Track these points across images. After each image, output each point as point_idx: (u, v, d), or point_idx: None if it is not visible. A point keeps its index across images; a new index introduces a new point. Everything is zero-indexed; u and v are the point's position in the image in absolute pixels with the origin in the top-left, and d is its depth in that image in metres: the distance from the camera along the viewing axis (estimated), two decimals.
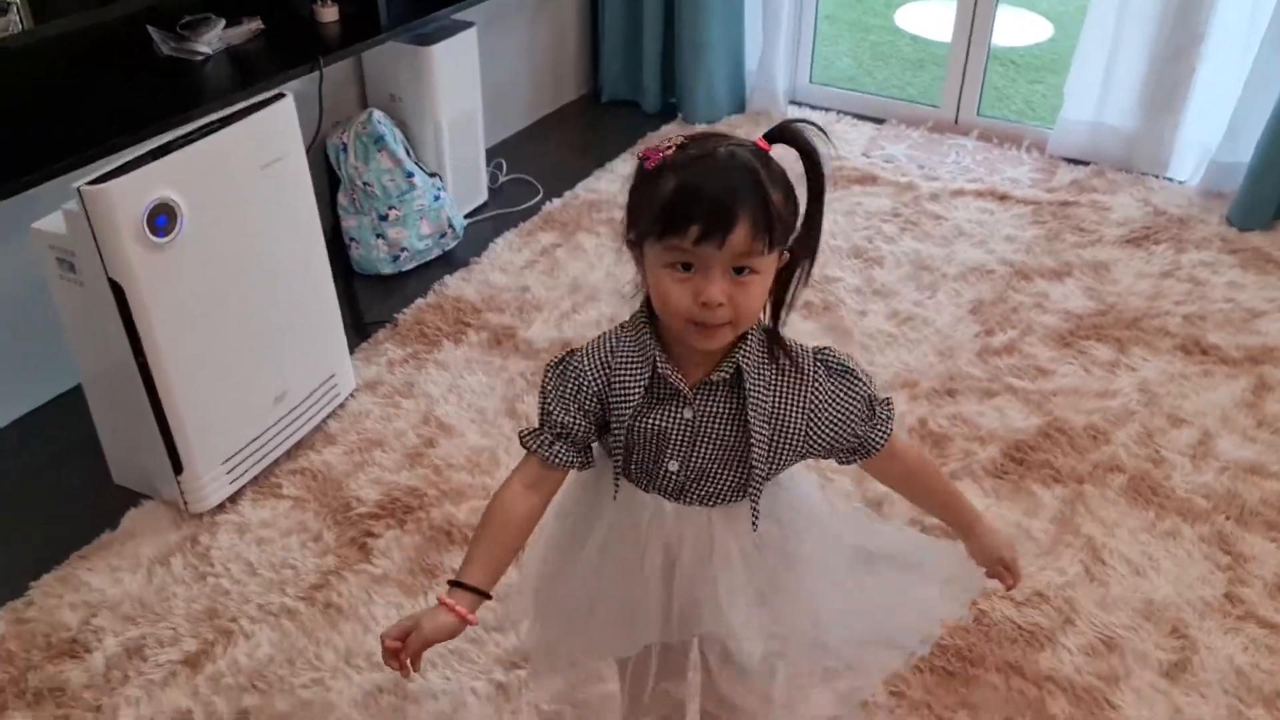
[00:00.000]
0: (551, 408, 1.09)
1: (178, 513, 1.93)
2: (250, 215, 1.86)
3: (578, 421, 1.08)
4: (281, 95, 1.90)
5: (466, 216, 2.88)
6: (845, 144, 3.26)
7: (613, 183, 3.05)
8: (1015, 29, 4.35)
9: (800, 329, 2.42)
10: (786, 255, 1.02)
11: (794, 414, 1.06)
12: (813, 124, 1.01)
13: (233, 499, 1.96)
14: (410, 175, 2.60)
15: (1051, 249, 2.72)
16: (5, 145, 1.93)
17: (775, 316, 1.06)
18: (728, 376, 1.04)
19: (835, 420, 1.08)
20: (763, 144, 0.99)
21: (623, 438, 1.08)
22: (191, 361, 1.81)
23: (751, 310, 0.99)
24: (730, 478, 1.09)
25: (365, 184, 2.56)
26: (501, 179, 3.09)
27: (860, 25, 4.51)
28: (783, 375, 1.06)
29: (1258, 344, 2.36)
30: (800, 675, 1.27)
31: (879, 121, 3.41)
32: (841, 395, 1.08)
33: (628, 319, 1.09)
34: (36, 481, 2.03)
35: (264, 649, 1.68)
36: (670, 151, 0.98)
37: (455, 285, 2.59)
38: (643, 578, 1.15)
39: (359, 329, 2.44)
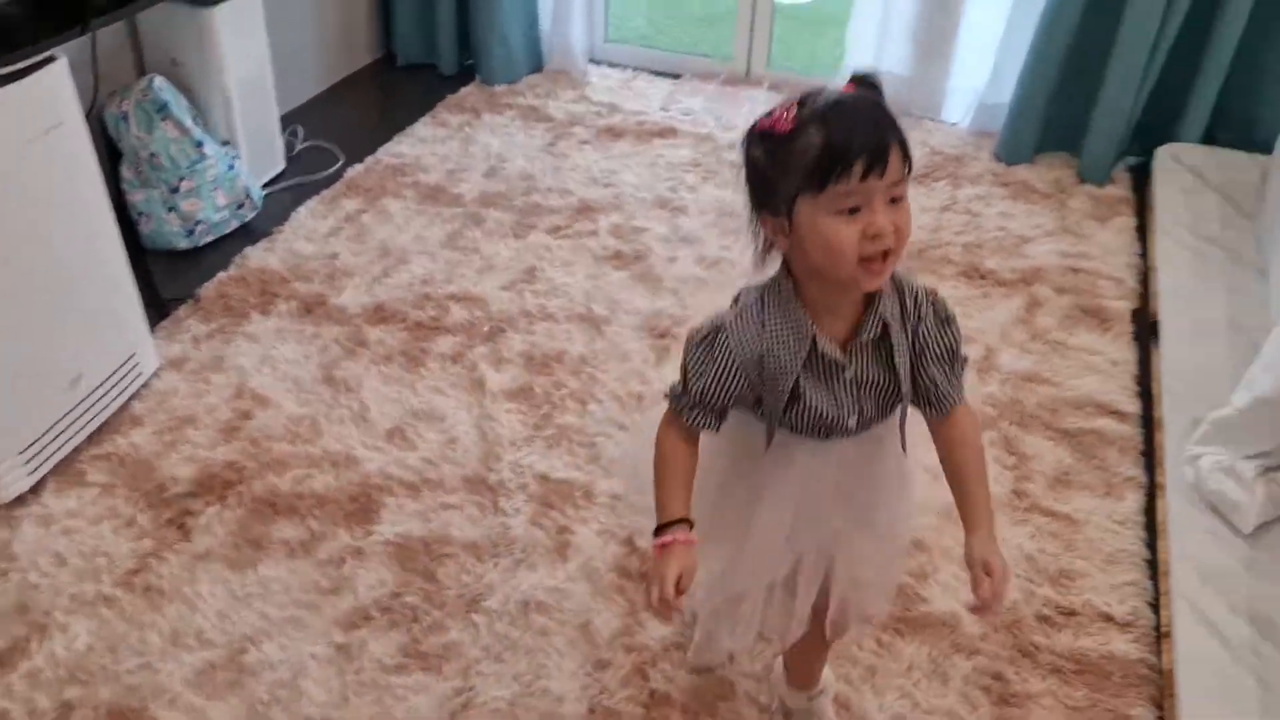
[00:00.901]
0: (694, 383, 1.13)
1: None
2: (26, 189, 1.75)
3: (718, 396, 1.12)
4: (52, 59, 1.78)
5: (264, 186, 2.78)
6: (644, 99, 3.32)
7: (414, 146, 3.01)
8: None
9: (613, 278, 2.47)
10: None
11: (911, 348, 1.13)
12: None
13: (34, 490, 1.85)
14: (200, 144, 2.49)
15: None
16: None
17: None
18: (876, 336, 1.10)
19: (927, 365, 1.13)
20: (851, 88, 1.04)
21: (782, 407, 1.12)
22: None
23: (909, 232, 1.04)
24: (882, 411, 1.16)
25: (151, 155, 2.44)
26: (299, 146, 2.99)
27: None
28: (906, 316, 1.12)
29: (1027, 266, 2.57)
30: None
31: (675, 77, 3.49)
32: (939, 340, 1.13)
33: (761, 286, 1.11)
34: None
35: (82, 639, 1.61)
36: (795, 111, 1.01)
37: (258, 256, 2.51)
38: (790, 507, 1.22)
39: (157, 307, 2.33)
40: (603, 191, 2.82)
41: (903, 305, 1.12)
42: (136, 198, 2.48)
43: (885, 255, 1.02)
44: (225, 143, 2.60)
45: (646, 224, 2.70)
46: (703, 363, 1.12)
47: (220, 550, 1.76)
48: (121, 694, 1.53)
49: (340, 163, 2.93)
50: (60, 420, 1.88)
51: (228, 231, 2.59)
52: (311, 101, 3.27)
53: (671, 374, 2.14)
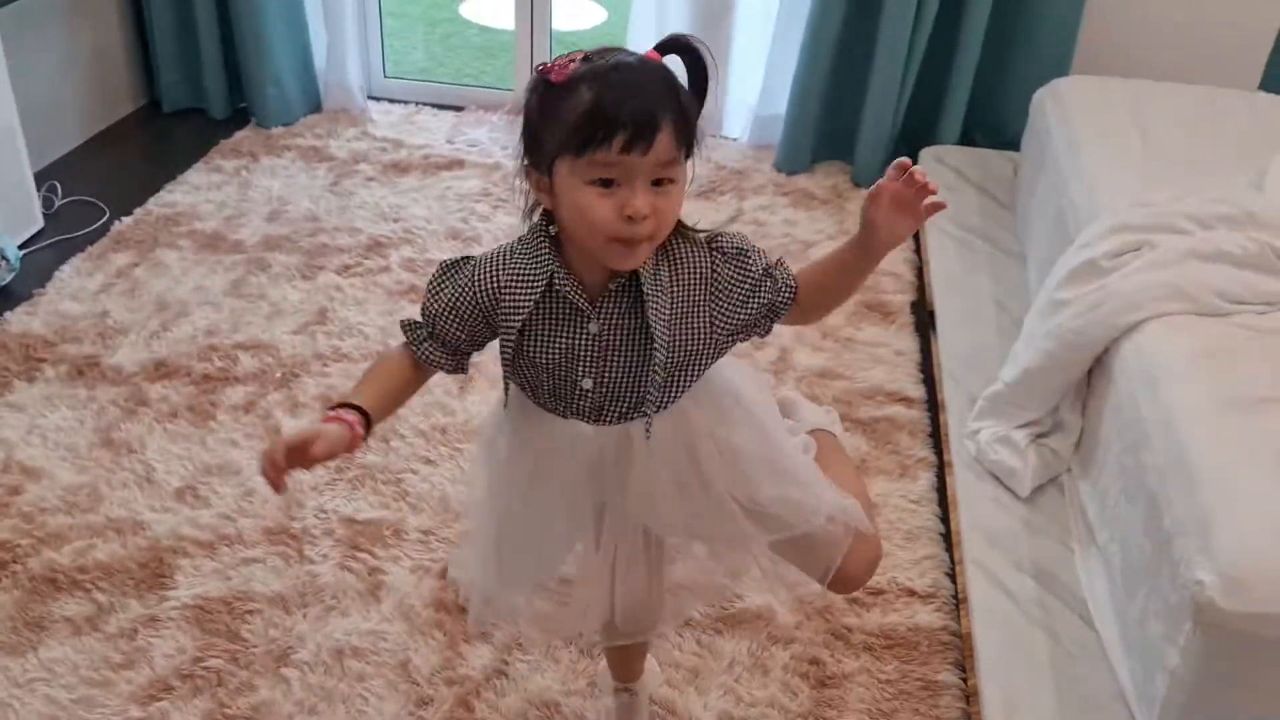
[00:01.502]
0: (429, 305, 1.09)
1: None
2: None
3: (451, 327, 1.08)
4: None
5: (21, 247, 2.60)
6: (428, 133, 3.29)
7: (187, 194, 2.88)
8: (573, 14, 4.58)
9: (408, 313, 2.42)
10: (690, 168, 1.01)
11: (697, 310, 1.05)
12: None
13: None
14: None
15: None
16: None
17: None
18: (625, 282, 1.03)
19: (738, 302, 1.07)
20: (655, 55, 0.99)
21: (522, 358, 1.07)
22: None
23: (671, 220, 0.98)
24: (640, 393, 1.07)
25: None
26: (58, 203, 2.81)
27: (427, 19, 4.55)
28: (680, 270, 1.04)
29: None
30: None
31: (458, 109, 3.47)
32: (740, 277, 1.06)
33: (525, 233, 1.07)
34: None
35: None
36: (575, 65, 0.95)
37: (19, 320, 2.33)
38: (570, 498, 1.17)
39: None
40: (392, 227, 2.78)
41: (672, 260, 1.04)
42: None
43: (641, 239, 0.97)
44: None
45: (440, 255, 2.66)
46: (440, 288, 1.08)
47: None
48: None
49: (105, 217, 2.76)
50: None
51: None
52: (70, 155, 3.08)
53: (476, 404, 2.14)
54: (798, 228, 2.88)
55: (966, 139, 3.08)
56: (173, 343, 2.29)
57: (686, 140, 0.97)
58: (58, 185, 2.84)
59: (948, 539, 1.87)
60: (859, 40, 2.94)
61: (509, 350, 1.07)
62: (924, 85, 3.02)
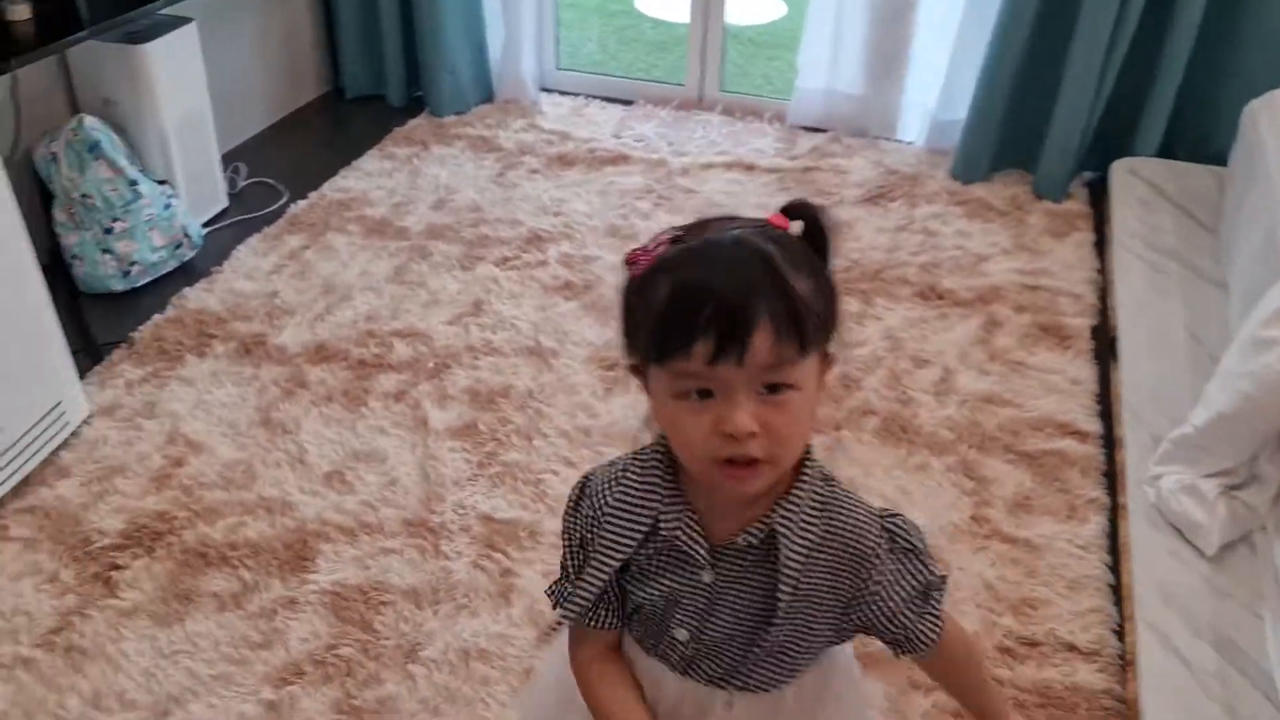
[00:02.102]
0: (568, 559, 0.92)
1: None
2: None
3: (599, 573, 0.90)
4: None
5: (205, 225, 2.72)
6: (596, 126, 3.28)
7: (360, 180, 2.95)
8: (749, 8, 4.50)
9: (562, 309, 2.41)
10: (833, 358, 0.83)
11: (838, 591, 0.87)
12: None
13: None
14: (135, 184, 2.42)
15: None
16: None
17: None
18: (756, 541, 0.85)
19: (882, 606, 0.89)
20: (778, 220, 0.82)
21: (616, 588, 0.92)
22: None
23: (794, 437, 0.79)
24: (750, 656, 0.90)
25: (83, 196, 2.37)
26: (241, 183, 2.93)
27: (603, 11, 4.55)
28: (839, 540, 0.86)
29: (985, 285, 2.53)
30: None
31: (627, 103, 3.45)
32: (898, 579, 0.89)
33: (643, 449, 0.90)
34: None
35: None
36: (661, 248, 0.79)
37: (196, 297, 2.43)
38: None
39: (91, 352, 2.26)
40: (553, 220, 2.77)
41: (838, 534, 0.86)
42: (70, 240, 2.41)
43: (752, 460, 0.78)
44: (162, 182, 2.53)
45: (597, 252, 2.64)
46: (571, 529, 0.91)
47: (147, 605, 1.68)
48: None
49: (284, 199, 2.86)
50: None
51: (166, 272, 2.52)
52: (256, 138, 3.21)
53: (621, 407, 2.11)
54: (971, 240, 2.72)
55: (1166, 151, 2.84)
56: (334, 326, 2.34)
57: (802, 334, 0.76)
58: (242, 167, 2.96)
59: (1117, 592, 1.72)
60: (1052, 41, 2.75)
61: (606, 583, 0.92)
62: (1122, 91, 2.80)
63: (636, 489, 0.88)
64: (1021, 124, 2.89)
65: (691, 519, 0.86)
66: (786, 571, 0.84)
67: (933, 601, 0.92)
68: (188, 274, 2.53)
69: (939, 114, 3.09)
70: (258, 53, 3.18)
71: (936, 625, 0.93)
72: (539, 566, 1.76)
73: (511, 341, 2.30)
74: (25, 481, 1.89)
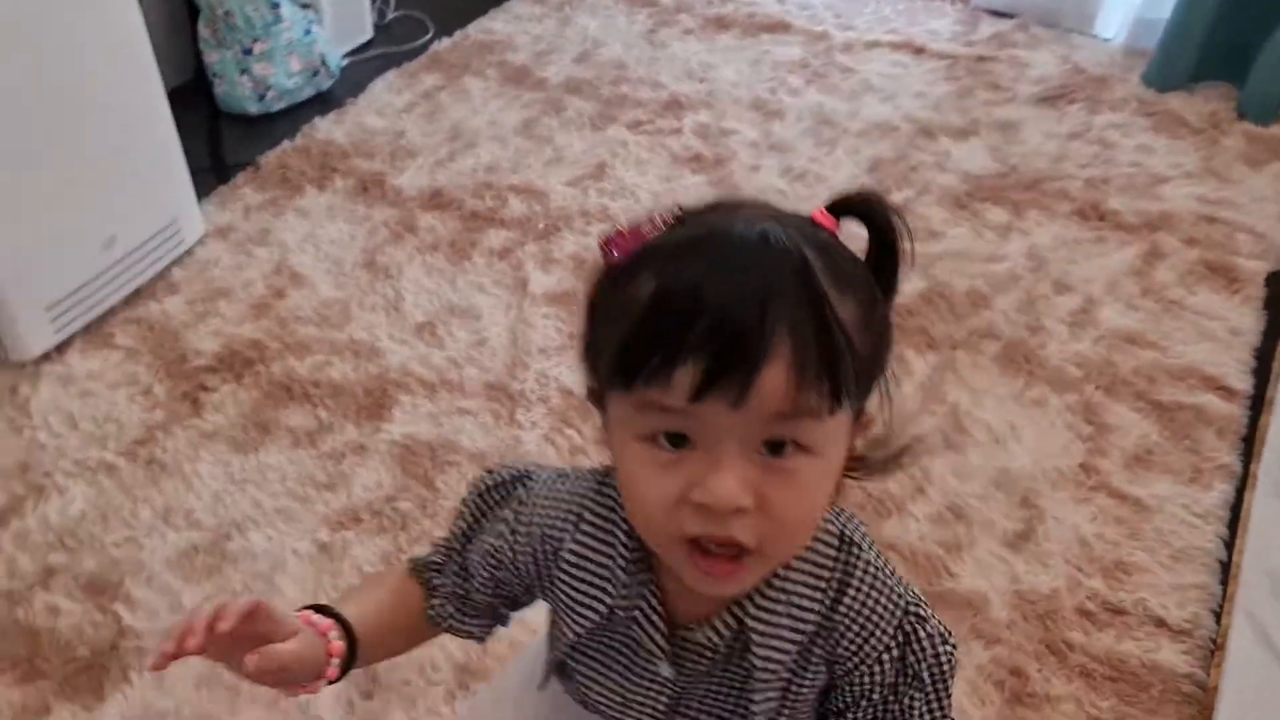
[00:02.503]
0: (455, 528, 0.75)
1: None
2: (68, 37, 1.69)
3: (477, 572, 0.74)
4: None
5: (348, 55, 2.69)
6: None
7: (508, 23, 2.86)
8: None
9: (687, 182, 2.30)
10: (869, 417, 0.62)
11: (821, 672, 0.67)
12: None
13: (60, 348, 1.84)
14: (276, 6, 2.40)
15: (961, 106, 2.60)
16: None
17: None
18: (721, 638, 0.65)
19: (860, 713, 0.68)
20: (824, 218, 0.59)
21: (570, 667, 0.73)
22: None
23: (800, 521, 0.58)
24: None
25: (226, 13, 2.37)
26: (390, 15, 2.89)
27: None
28: (839, 621, 0.65)
29: (1157, 210, 2.28)
30: None
31: None
32: (894, 694, 0.66)
33: (604, 487, 0.69)
34: None
35: (77, 505, 1.60)
36: (656, 231, 0.57)
37: (325, 128, 2.43)
38: None
39: (219, 172, 2.29)
40: (696, 87, 2.63)
41: (841, 614, 0.65)
42: (212, 58, 2.42)
43: (737, 548, 0.56)
44: (305, 6, 2.51)
45: (736, 126, 2.50)
46: (477, 515, 0.74)
47: (227, 430, 1.72)
48: (103, 566, 1.51)
49: (429, 35, 2.81)
50: (92, 281, 1.85)
51: (301, 99, 2.52)
52: None
53: None
54: (1153, 157, 2.45)
55: None
56: (453, 174, 2.30)
57: (835, 376, 0.54)
58: None
59: (1226, 571, 1.56)
60: None
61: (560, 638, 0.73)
62: None
63: (597, 544, 0.66)
64: (1234, 30, 2.54)
65: (653, 597, 0.65)
66: (760, 680, 0.64)
67: None
68: (322, 103, 2.53)
69: (1145, 10, 2.76)
70: None
71: None
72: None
73: (628, 211, 2.22)
74: (137, 293, 1.95)
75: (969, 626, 1.48)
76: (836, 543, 0.66)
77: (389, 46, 2.77)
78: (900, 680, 0.66)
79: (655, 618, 0.65)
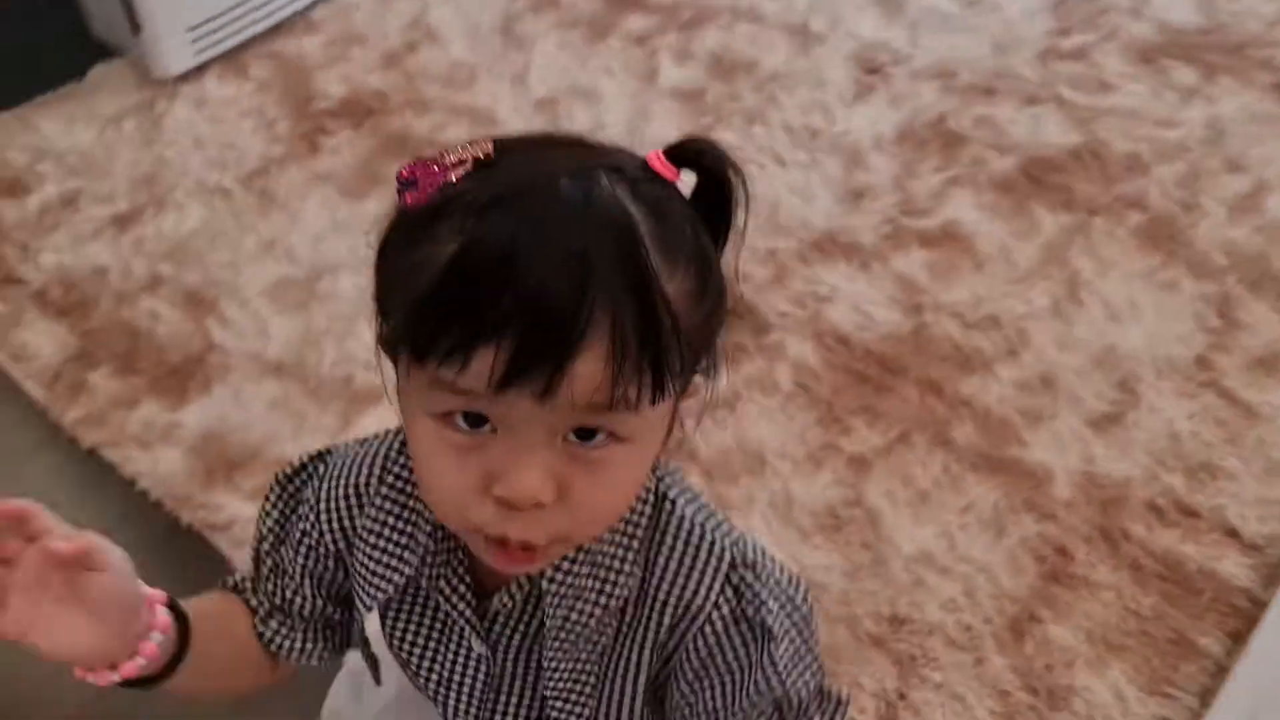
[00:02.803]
0: (265, 558, 0.67)
1: (142, 75, 1.89)
2: None
3: (305, 593, 0.66)
4: None
5: None
6: None
7: None
8: None
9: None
10: (697, 383, 0.56)
11: (647, 652, 0.61)
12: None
13: (199, 71, 1.90)
14: None
15: None
16: None
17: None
18: (515, 604, 0.61)
19: (691, 687, 0.61)
20: (662, 166, 0.52)
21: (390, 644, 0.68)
22: None
23: (604, 511, 0.54)
24: None
25: None
26: None
27: None
28: (659, 583, 0.60)
29: None
30: None
31: None
32: (725, 664, 0.60)
33: (406, 448, 0.62)
34: (13, 23, 2.00)
35: (190, 223, 1.68)
36: (462, 167, 0.50)
37: None
38: None
39: None
40: None
41: (660, 575, 0.60)
42: None
43: (530, 546, 0.52)
44: None
45: None
46: (272, 512, 0.66)
47: (339, 174, 1.77)
48: (203, 283, 1.61)
49: None
50: (236, 7, 1.89)
51: None
52: None
53: (861, 118, 1.90)
54: None
55: None
56: None
57: (658, 365, 0.48)
58: None
59: None
60: None
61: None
62: None
63: (398, 509, 0.61)
64: None
65: (460, 566, 0.61)
66: (554, 642, 0.59)
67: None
68: None
69: None
70: None
71: None
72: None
73: (779, 14, 2.10)
74: (277, 27, 1.98)
75: (1024, 498, 1.43)
76: (652, 499, 0.60)
77: None
78: (744, 641, 0.60)
79: (462, 588, 0.61)
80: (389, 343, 0.54)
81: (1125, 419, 1.52)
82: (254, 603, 0.67)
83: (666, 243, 0.48)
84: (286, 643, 0.66)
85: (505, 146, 0.51)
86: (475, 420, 0.49)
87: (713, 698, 0.60)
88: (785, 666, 0.60)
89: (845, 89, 1.96)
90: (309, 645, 0.67)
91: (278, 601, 0.66)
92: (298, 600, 0.66)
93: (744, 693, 0.60)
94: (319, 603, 0.66)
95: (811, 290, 1.66)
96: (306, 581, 0.65)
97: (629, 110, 1.89)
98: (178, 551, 1.31)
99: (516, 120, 1.86)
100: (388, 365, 0.56)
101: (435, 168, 0.50)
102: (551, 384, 0.46)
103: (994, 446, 1.49)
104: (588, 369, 0.46)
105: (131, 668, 0.54)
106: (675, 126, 1.87)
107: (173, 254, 1.64)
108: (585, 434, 0.50)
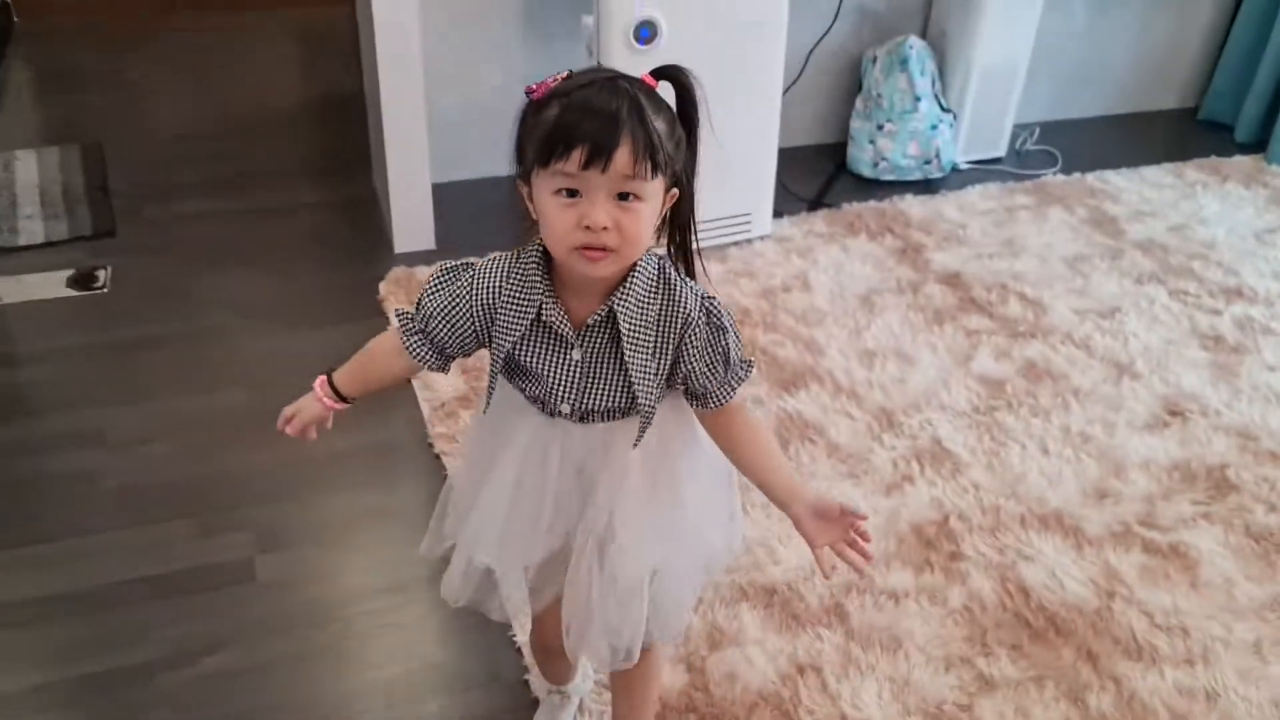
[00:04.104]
0: (425, 303, 1.13)
1: None
2: (717, 57, 2.36)
3: (442, 329, 1.12)
4: None
5: (973, 162, 3.10)
6: None
7: (1131, 181, 3.04)
8: None
9: (1191, 356, 2.32)
10: (675, 193, 1.04)
11: (670, 349, 1.09)
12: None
13: None
14: (918, 100, 2.91)
15: None
16: None
17: (683, 257, 1.11)
18: (605, 317, 1.06)
19: (694, 366, 1.10)
20: (648, 79, 1.03)
21: (512, 368, 1.13)
22: None
23: (637, 237, 1.00)
24: (621, 408, 1.13)
25: (877, 95, 2.94)
26: (1028, 144, 3.23)
27: None
28: (669, 309, 1.08)
29: None
30: (678, 586, 1.29)
31: None
32: (708, 347, 1.10)
33: (524, 251, 1.10)
34: None
35: None
36: (553, 83, 1.01)
37: (909, 203, 2.88)
38: (548, 485, 1.18)
39: (811, 204, 2.87)
40: (1273, 286, 2.58)
41: (669, 305, 1.07)
42: (856, 125, 3.02)
43: (604, 248, 0.99)
44: (948, 110, 2.98)
45: None
46: (438, 290, 1.12)
47: None
48: None
49: (1055, 167, 3.10)
50: None
51: (909, 178, 3.00)
52: (1079, 121, 3.43)
53: None
54: None
55: None
56: (982, 268, 2.60)
57: (653, 159, 0.97)
58: (1036, 130, 3.26)
59: None
60: None
61: (497, 361, 1.12)
62: None
63: (521, 282, 1.08)
64: None
65: (559, 308, 1.07)
66: (629, 339, 1.07)
67: (732, 374, 1.12)
68: (923, 186, 2.99)
69: None
70: (1123, 41, 3.37)
71: (730, 393, 1.13)
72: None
73: (1109, 350, 2.32)
74: (719, 248, 2.60)
75: None
76: (657, 263, 1.09)
77: (1015, 167, 3.12)
78: (710, 334, 1.10)
79: (564, 315, 1.08)
80: (525, 172, 1.03)
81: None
82: (408, 325, 1.15)
83: (652, 105, 1.00)
84: (421, 352, 1.14)
85: (576, 73, 1.03)
86: (571, 194, 0.98)
87: (699, 363, 1.10)
88: (731, 343, 1.10)
89: (1139, 418, 2.13)
90: (431, 358, 1.15)
91: (422, 326, 1.14)
92: (439, 333, 1.13)
93: (715, 359, 1.10)
94: (450, 339, 1.13)
95: (1018, 548, 1.83)
96: (446, 326, 1.12)
97: (932, 379, 2.22)
98: None
99: (837, 358, 2.26)
100: None
101: (544, 83, 1.01)
102: (608, 164, 0.96)
103: None
104: (623, 157, 0.96)
105: (326, 418, 1.23)
106: (967, 402, 2.16)
107: None
108: (623, 196, 0.98)
